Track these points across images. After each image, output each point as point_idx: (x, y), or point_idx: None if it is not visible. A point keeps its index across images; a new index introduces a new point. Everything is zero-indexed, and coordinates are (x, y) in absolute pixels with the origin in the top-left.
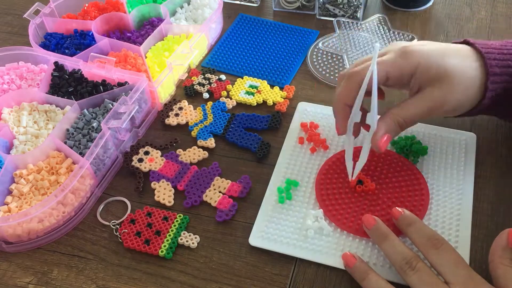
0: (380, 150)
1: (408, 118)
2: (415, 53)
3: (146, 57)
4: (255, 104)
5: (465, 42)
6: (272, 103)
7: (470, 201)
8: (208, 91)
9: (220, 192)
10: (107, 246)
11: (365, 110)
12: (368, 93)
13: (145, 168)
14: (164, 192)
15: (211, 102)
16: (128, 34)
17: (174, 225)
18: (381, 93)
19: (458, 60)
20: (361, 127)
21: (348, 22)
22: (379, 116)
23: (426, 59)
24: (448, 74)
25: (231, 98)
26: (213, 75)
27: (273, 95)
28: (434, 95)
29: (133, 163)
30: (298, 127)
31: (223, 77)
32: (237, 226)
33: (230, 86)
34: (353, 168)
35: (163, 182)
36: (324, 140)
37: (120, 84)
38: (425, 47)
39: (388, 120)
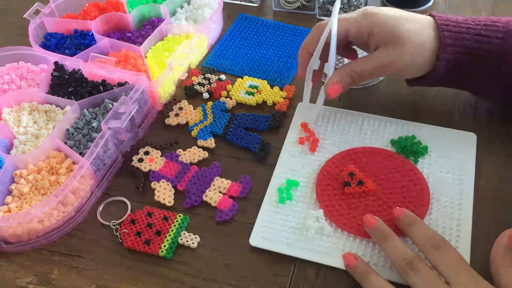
0: (329, 96)
1: (359, 72)
2: (374, 15)
3: (146, 57)
4: (255, 104)
5: (430, 15)
6: (272, 103)
7: (470, 201)
8: (208, 91)
9: (220, 192)
10: (107, 246)
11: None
12: (341, 50)
13: (145, 168)
14: (164, 192)
15: (211, 102)
16: (128, 34)
17: (174, 225)
18: (354, 54)
19: (413, 26)
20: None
21: None
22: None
23: (381, 21)
24: (400, 37)
25: (231, 98)
26: (213, 75)
27: (273, 95)
28: (385, 55)
29: (133, 163)
30: (298, 127)
31: (223, 77)
32: (237, 226)
33: (230, 86)
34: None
35: (163, 182)
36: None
37: (120, 84)
38: (384, 11)
39: (342, 71)
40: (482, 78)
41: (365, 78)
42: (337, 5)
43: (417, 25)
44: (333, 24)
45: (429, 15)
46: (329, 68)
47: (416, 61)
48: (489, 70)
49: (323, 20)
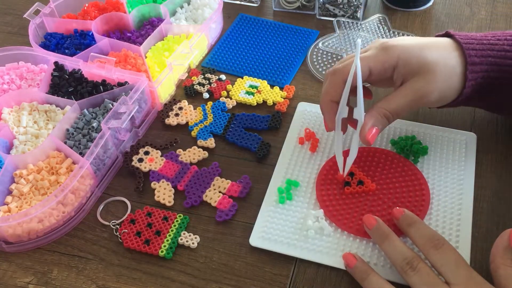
0: (369, 143)
1: (393, 110)
2: (395, 47)
3: (146, 57)
4: (255, 104)
5: (446, 34)
6: (272, 103)
7: (470, 201)
8: (208, 91)
9: (220, 192)
10: (107, 246)
11: (351, 107)
12: (353, 91)
13: (145, 168)
14: (164, 192)
15: (211, 102)
16: (128, 34)
17: (174, 225)
18: (368, 93)
19: (438, 51)
20: (348, 125)
21: (348, 22)
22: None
23: (406, 52)
24: (429, 65)
25: (231, 98)
26: (213, 75)
27: (273, 95)
28: (417, 86)
29: (133, 163)
30: (298, 127)
31: (223, 77)
32: (237, 226)
33: (230, 86)
34: (344, 164)
35: (163, 182)
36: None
37: (120, 84)
38: (404, 41)
39: (375, 113)
40: (507, 93)
41: (400, 115)
42: (359, 45)
43: (443, 50)
44: (358, 65)
45: (445, 35)
46: (360, 113)
47: (449, 85)
48: None
49: (323, 19)
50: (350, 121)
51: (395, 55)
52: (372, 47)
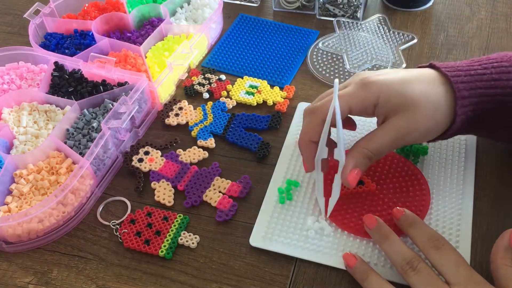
0: (351, 185)
1: (375, 150)
2: (374, 84)
3: (146, 57)
4: (255, 104)
5: (431, 66)
6: (272, 103)
7: (470, 201)
8: (208, 91)
9: (220, 192)
10: (107, 246)
11: (332, 145)
12: (334, 125)
13: (145, 168)
14: (164, 192)
15: (211, 102)
16: (128, 34)
17: (174, 225)
18: (352, 124)
19: (421, 86)
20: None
21: (348, 22)
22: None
23: (386, 88)
24: (411, 102)
25: (231, 98)
26: (213, 75)
27: (273, 95)
28: (399, 125)
29: (133, 163)
30: (298, 127)
31: (223, 77)
32: (237, 226)
33: (230, 86)
34: (326, 205)
35: (163, 182)
36: None
37: (120, 84)
38: (384, 76)
39: (356, 154)
40: (498, 121)
41: (384, 154)
42: (336, 84)
43: (426, 85)
44: (336, 105)
45: (430, 66)
46: (340, 154)
47: (435, 121)
48: (506, 113)
49: (323, 19)
50: (331, 159)
51: (375, 92)
52: (352, 83)
